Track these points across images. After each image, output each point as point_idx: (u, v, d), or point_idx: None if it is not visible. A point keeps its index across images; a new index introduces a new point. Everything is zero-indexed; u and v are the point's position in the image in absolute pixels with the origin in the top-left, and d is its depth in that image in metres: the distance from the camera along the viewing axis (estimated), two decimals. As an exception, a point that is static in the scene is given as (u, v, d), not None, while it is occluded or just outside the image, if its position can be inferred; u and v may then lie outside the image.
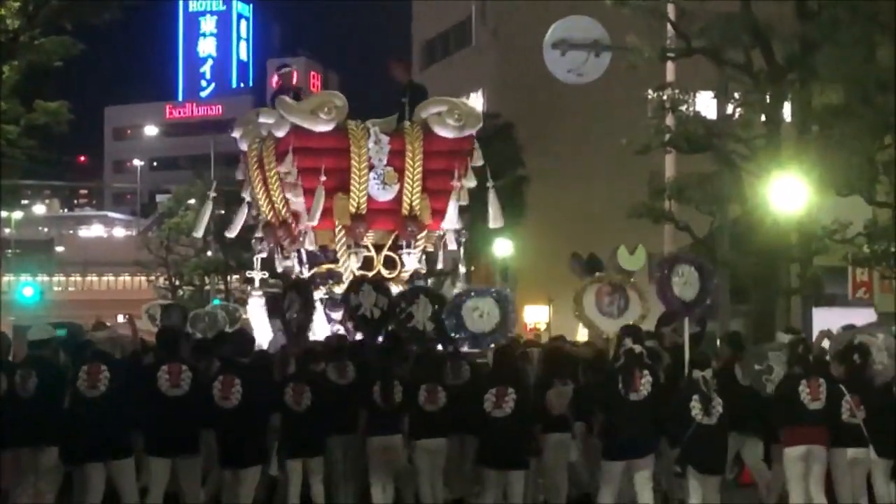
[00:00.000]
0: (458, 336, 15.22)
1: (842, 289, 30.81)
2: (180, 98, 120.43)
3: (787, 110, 26.06)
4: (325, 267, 17.24)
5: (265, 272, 18.34)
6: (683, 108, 26.36)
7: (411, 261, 17.28)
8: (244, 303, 20.33)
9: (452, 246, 17.76)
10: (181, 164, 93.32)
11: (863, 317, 17.53)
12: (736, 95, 26.16)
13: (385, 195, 16.90)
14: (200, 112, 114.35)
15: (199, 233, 19.56)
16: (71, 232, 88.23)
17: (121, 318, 17.46)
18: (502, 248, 40.72)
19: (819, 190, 23.53)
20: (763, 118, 25.50)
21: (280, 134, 16.97)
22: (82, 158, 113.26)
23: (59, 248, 66.84)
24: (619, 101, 35.51)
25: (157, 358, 12.51)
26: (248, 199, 18.30)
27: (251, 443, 12.10)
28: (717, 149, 25.56)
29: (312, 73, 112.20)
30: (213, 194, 20.33)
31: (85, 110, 55.99)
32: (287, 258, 17.92)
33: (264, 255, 18.33)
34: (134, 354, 13.06)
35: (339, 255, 16.99)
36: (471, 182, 17.42)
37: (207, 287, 56.46)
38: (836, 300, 30.66)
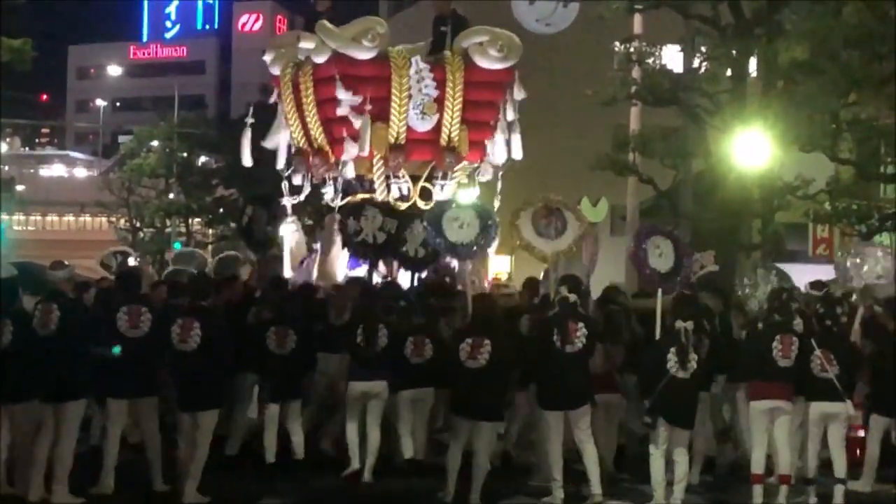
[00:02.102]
0: (438, 243, 14.95)
1: (802, 245, 31.02)
2: (145, 39, 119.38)
3: (753, 65, 26.06)
4: (359, 196, 16.99)
5: (296, 196, 17.69)
6: (650, 60, 26.28)
7: (447, 192, 17.08)
8: (204, 246, 19.99)
9: (488, 177, 17.61)
10: (144, 106, 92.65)
11: (823, 273, 17.56)
12: (702, 49, 26.12)
13: (424, 125, 16.66)
14: (165, 53, 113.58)
15: (247, 161, 18.11)
16: (32, 171, 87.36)
17: (132, 262, 17.06)
18: (467, 196, 40.55)
19: (783, 146, 23.55)
20: (729, 73, 25.48)
21: (320, 60, 16.56)
22: (45, 97, 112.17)
23: (20, 187, 66.34)
24: (586, 53, 35.37)
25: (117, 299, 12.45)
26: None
27: (209, 386, 12.06)
28: (682, 102, 25.53)
29: (279, 16, 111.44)
30: (250, 120, 18.30)
31: (48, 49, 55.55)
32: (319, 186, 17.64)
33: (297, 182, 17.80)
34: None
35: (375, 184, 16.78)
36: (511, 115, 17.21)
37: (168, 229, 56.21)
38: (796, 256, 30.84)
